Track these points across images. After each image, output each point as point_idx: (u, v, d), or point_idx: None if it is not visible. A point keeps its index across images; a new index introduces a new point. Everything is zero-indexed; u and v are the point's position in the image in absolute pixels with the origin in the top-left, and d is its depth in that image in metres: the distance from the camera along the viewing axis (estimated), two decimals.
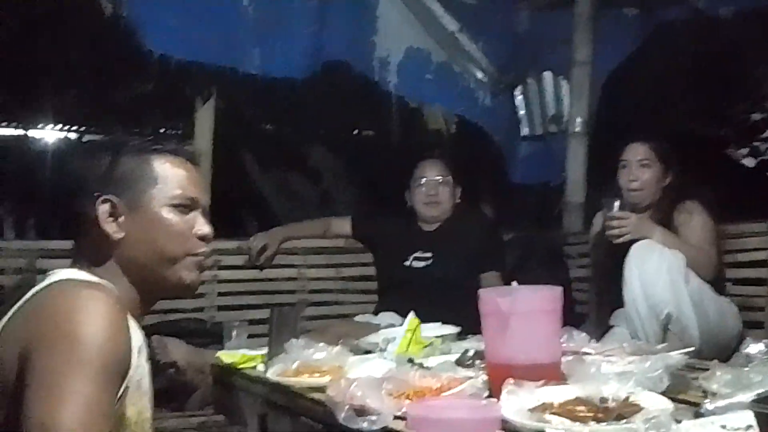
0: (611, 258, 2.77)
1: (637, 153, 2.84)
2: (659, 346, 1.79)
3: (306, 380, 1.80)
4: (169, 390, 2.44)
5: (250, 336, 2.55)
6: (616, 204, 2.69)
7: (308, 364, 1.88)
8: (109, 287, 1.30)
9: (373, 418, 1.40)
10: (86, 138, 6.58)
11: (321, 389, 1.64)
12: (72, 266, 1.37)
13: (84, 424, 1.13)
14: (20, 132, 6.73)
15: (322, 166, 5.19)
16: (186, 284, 1.40)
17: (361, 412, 1.43)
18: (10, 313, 1.28)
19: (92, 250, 1.36)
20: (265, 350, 2.13)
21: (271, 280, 3.34)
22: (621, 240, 2.65)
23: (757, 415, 0.87)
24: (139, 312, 1.39)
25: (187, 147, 1.50)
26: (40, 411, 1.12)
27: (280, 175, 5.06)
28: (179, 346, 2.62)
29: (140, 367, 1.31)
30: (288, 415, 1.82)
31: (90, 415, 1.14)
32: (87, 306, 1.20)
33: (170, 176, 1.38)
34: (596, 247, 3.05)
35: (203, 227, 1.41)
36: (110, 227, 1.35)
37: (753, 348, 1.51)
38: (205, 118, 3.61)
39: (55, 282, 1.28)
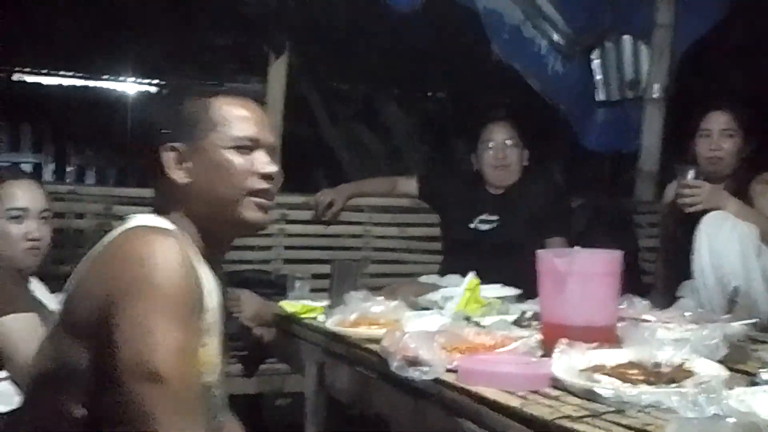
0: (681, 228, 2.71)
1: (720, 121, 2.75)
2: (722, 317, 1.76)
3: (363, 331, 1.84)
4: (237, 338, 2.51)
5: (312, 289, 2.60)
6: (691, 172, 2.61)
7: (366, 316, 1.92)
8: (179, 233, 1.35)
9: (425, 368, 1.43)
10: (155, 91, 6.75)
11: (376, 340, 1.67)
12: (149, 211, 1.43)
13: (175, 362, 1.19)
14: (102, 84, 6.94)
15: (393, 124, 5.20)
16: (249, 223, 1.41)
17: (413, 362, 1.46)
18: (90, 257, 1.34)
19: (164, 197, 1.41)
20: (326, 303, 2.18)
21: (336, 236, 3.38)
22: (693, 209, 2.58)
23: None
24: (211, 256, 1.43)
25: (249, 86, 1.53)
26: (132, 352, 1.19)
27: (351, 132, 5.09)
28: (251, 298, 2.68)
29: (212, 311, 1.36)
30: (344, 364, 1.87)
31: (179, 354, 1.20)
32: (158, 252, 1.24)
33: (230, 118, 1.40)
34: (667, 217, 2.98)
35: (266, 166, 1.41)
36: (176, 174, 1.38)
37: None
38: (278, 72, 3.65)
39: (129, 229, 1.33)
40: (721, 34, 3.86)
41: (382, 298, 2.02)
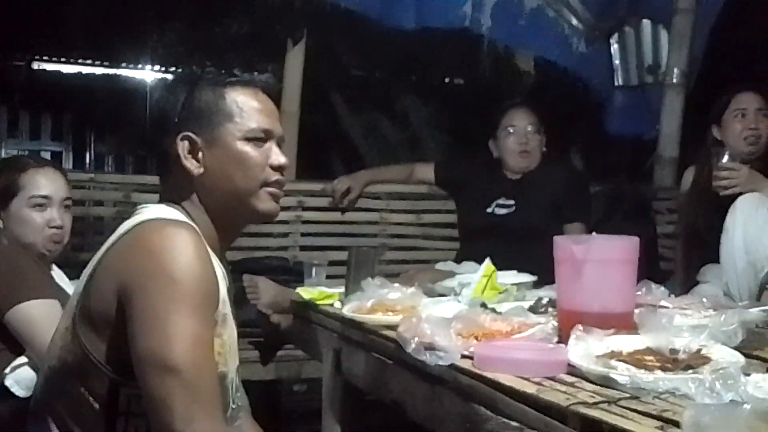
0: (705, 213, 2.68)
1: (755, 101, 2.72)
2: (741, 303, 1.74)
3: (379, 317, 1.84)
4: (254, 325, 2.52)
5: (329, 276, 2.61)
6: (726, 154, 2.57)
7: (382, 303, 1.92)
8: (192, 224, 1.35)
9: (441, 354, 1.43)
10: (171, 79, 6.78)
11: (393, 327, 1.68)
12: (159, 202, 1.43)
13: (192, 353, 1.21)
14: (121, 72, 6.98)
15: (410, 111, 5.19)
16: (263, 213, 1.43)
17: (429, 347, 1.46)
18: (106, 246, 1.35)
19: (176, 186, 1.42)
20: (342, 289, 2.19)
21: (353, 222, 3.39)
22: (729, 192, 2.53)
23: None
24: (220, 245, 1.44)
25: (262, 77, 1.53)
26: (150, 344, 1.21)
27: (368, 119, 5.08)
28: (268, 285, 2.69)
29: (225, 301, 1.37)
30: (361, 351, 1.87)
31: (196, 345, 1.22)
32: (176, 245, 1.26)
33: (245, 109, 1.41)
34: (688, 201, 2.95)
35: (279, 158, 1.43)
36: (190, 163, 1.39)
37: None
38: (295, 59, 3.65)
39: (145, 221, 1.34)
40: (743, 15, 3.81)
41: (399, 284, 2.02)
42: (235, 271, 2.04)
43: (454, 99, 5.52)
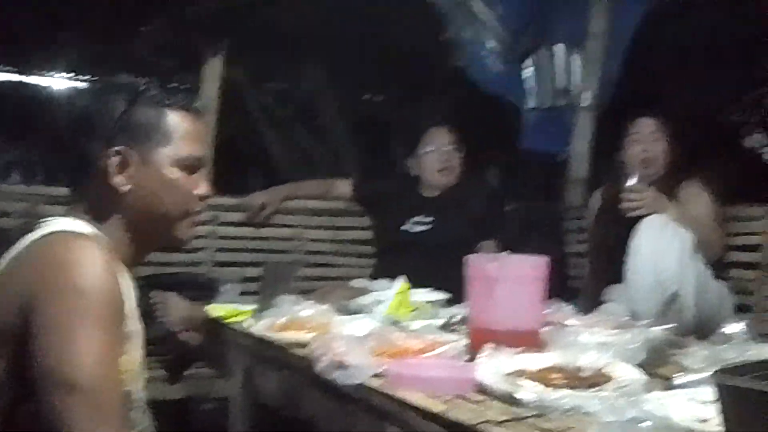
0: (613, 233, 2.76)
1: (649, 126, 2.83)
2: (644, 321, 1.80)
3: (290, 335, 1.82)
4: (162, 342, 2.46)
5: (243, 293, 2.57)
6: (634, 177, 2.67)
7: (295, 320, 1.90)
8: (102, 238, 1.31)
9: (352, 372, 1.42)
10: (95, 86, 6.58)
11: (305, 345, 1.66)
12: (68, 214, 1.37)
13: (95, 370, 1.16)
14: (31, 79, 6.73)
15: (330, 127, 5.18)
16: (182, 241, 1.42)
17: (340, 366, 1.45)
18: (7, 259, 1.29)
19: (93, 199, 1.36)
20: (255, 306, 2.16)
21: (268, 238, 3.34)
22: (636, 213, 2.61)
23: (721, 387, 0.87)
24: (131, 262, 1.40)
25: (198, 102, 1.50)
26: (51, 360, 1.16)
27: (287, 134, 5.05)
28: (178, 301, 2.63)
29: (132, 317, 1.33)
30: (273, 369, 1.85)
31: (100, 362, 1.17)
32: (83, 258, 1.21)
33: (184, 135, 1.37)
34: (596, 221, 3.04)
35: (206, 187, 1.41)
36: (118, 179, 1.34)
37: (732, 328, 1.51)
38: (213, 70, 3.60)
39: (51, 234, 1.29)
40: (653, 42, 3.96)
41: (313, 301, 2.01)
42: (145, 286, 1.98)
43: (374, 115, 5.55)
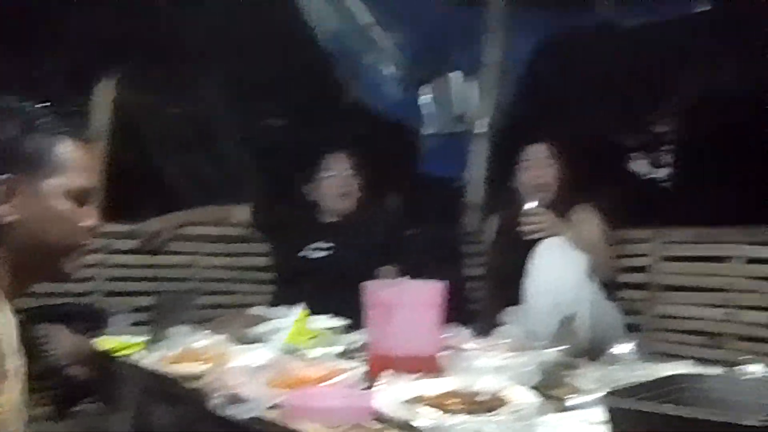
0: (510, 256, 2.81)
1: (541, 152, 2.91)
2: (539, 343, 1.83)
3: (184, 367, 1.76)
4: (49, 377, 2.34)
5: (136, 323, 2.48)
6: (533, 201, 2.72)
7: (190, 352, 1.85)
8: None
9: (245, 406, 1.38)
10: None
11: (200, 377, 1.61)
12: None
13: None
14: None
15: (228, 152, 5.10)
16: (67, 275, 1.36)
17: (234, 399, 1.41)
18: None
19: None
20: (148, 337, 2.08)
21: (164, 266, 3.24)
22: (534, 236, 2.66)
23: (611, 409, 0.89)
24: (13, 295, 1.32)
25: (90, 129, 1.45)
26: None
27: (184, 159, 4.93)
28: (65, 334, 2.51)
29: (10, 355, 1.25)
30: (166, 403, 1.78)
31: None
32: None
33: (74, 165, 1.32)
34: (493, 244, 3.10)
35: (95, 220, 1.36)
36: (2, 209, 1.27)
37: (622, 348, 1.56)
38: (106, 95, 3.48)
39: None
40: (545, 70, 4.10)
41: (209, 331, 1.96)
42: (30, 319, 1.88)
43: (274, 140, 5.50)
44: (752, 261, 2.62)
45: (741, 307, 2.61)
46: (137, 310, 2.56)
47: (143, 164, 4.73)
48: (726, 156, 3.83)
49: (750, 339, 2.56)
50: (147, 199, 4.68)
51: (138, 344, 2.07)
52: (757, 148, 3.58)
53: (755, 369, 1.46)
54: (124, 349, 2.05)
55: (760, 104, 3.59)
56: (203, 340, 1.87)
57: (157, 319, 2.10)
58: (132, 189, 4.56)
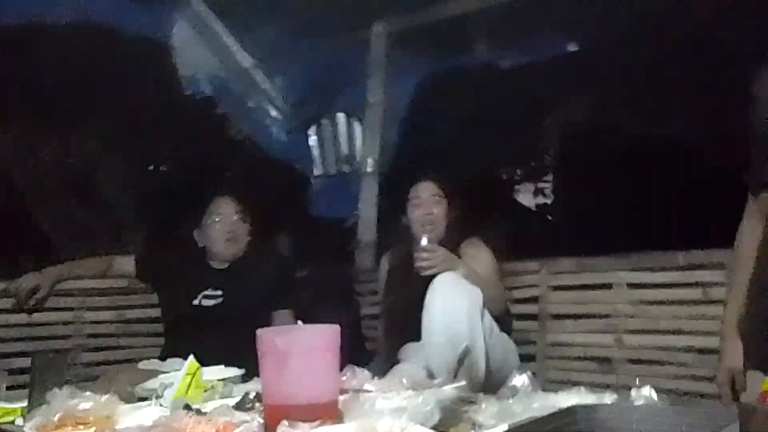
0: (405, 292, 2.81)
1: (428, 189, 2.94)
2: (435, 381, 1.83)
3: None
4: None
5: (12, 387, 2.32)
6: (425, 238, 2.74)
7: (72, 415, 1.73)
8: None
9: None
10: None
11: None
12: None
13: None
14: None
15: (110, 199, 4.92)
16: None
17: None
18: None
19: None
20: (25, 402, 1.95)
21: (43, 324, 3.07)
22: (429, 272, 2.67)
23: None
24: None
25: None
26: None
27: (63, 207, 4.72)
28: None
29: None
30: None
31: None
32: None
33: None
34: (388, 282, 3.09)
35: None
36: None
37: (518, 380, 1.57)
38: None
39: None
40: (428, 108, 4.19)
41: (92, 392, 1.84)
42: None
43: (159, 186, 5.35)
44: (632, 286, 2.72)
45: (627, 331, 2.70)
46: (12, 373, 2.39)
47: (18, 215, 4.51)
48: (604, 186, 4.01)
49: (639, 361, 2.64)
50: (22, 252, 4.45)
51: (16, 410, 1.94)
52: (634, 178, 3.77)
53: (646, 392, 1.49)
54: (0, 417, 1.91)
55: (635, 137, 3.79)
56: (86, 402, 1.76)
57: (33, 383, 1.97)
58: (6, 242, 4.33)
